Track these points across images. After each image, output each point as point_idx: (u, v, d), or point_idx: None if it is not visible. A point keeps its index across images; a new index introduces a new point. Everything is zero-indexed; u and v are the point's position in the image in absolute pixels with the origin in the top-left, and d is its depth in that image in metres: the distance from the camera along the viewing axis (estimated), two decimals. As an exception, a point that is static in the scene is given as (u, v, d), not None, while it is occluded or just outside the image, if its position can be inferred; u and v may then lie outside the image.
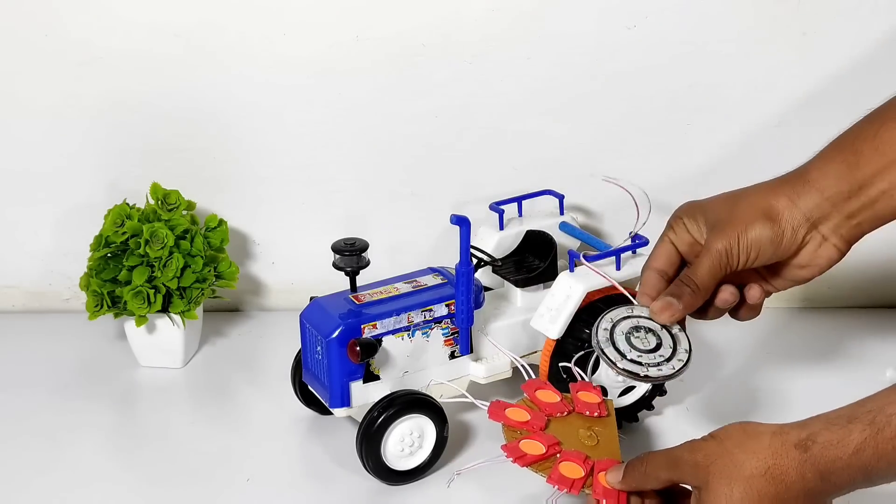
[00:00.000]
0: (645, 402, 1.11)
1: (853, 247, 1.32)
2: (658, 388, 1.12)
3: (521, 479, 1.04)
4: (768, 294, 0.97)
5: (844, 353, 1.26)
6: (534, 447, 0.90)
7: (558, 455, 0.89)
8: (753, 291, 0.95)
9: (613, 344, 0.92)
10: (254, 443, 1.12)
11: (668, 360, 0.92)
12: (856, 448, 0.76)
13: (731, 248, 0.91)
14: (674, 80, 1.27)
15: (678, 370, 0.91)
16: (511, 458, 0.89)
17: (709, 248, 0.91)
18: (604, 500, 0.86)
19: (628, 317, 0.94)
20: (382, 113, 1.30)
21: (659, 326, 0.93)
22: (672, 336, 0.93)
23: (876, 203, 0.89)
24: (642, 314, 0.94)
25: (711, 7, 1.24)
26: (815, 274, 0.94)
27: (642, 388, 1.11)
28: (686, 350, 0.92)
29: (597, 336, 0.92)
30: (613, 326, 0.93)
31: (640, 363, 0.91)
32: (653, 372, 0.91)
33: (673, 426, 1.12)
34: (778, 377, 1.21)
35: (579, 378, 1.01)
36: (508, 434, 0.92)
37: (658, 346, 0.93)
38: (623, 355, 0.91)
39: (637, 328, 0.93)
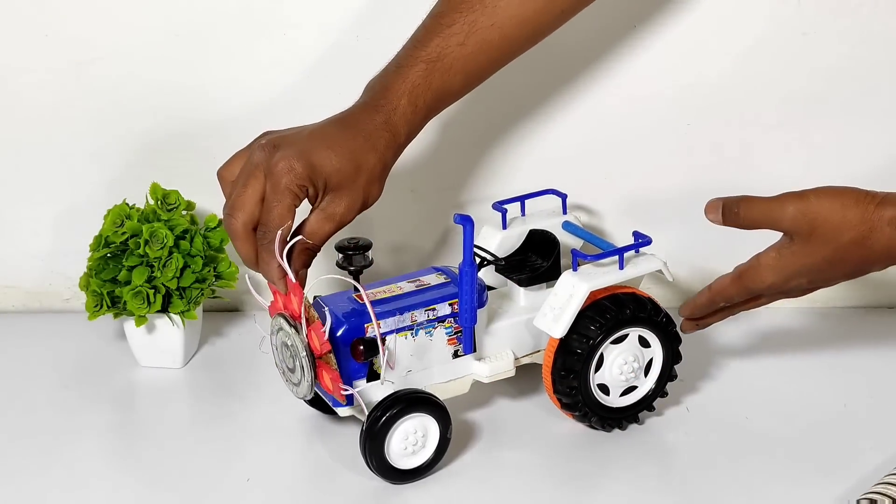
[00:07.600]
0: (646, 403, 1.11)
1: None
2: (659, 390, 1.11)
3: (523, 478, 1.04)
4: None
5: (844, 352, 1.26)
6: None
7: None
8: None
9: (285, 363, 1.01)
10: (254, 443, 1.11)
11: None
12: None
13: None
14: (673, 79, 1.28)
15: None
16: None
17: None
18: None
19: (280, 329, 1.01)
20: (383, 113, 1.29)
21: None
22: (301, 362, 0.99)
23: None
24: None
25: (711, 7, 1.25)
26: None
27: (644, 389, 1.11)
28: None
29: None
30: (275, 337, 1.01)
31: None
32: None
33: (673, 427, 1.12)
34: (778, 377, 1.21)
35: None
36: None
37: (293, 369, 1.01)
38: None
39: (286, 345, 1.00)
